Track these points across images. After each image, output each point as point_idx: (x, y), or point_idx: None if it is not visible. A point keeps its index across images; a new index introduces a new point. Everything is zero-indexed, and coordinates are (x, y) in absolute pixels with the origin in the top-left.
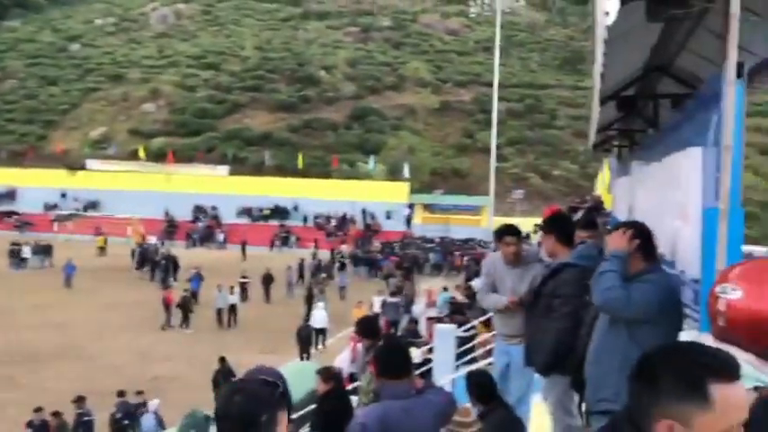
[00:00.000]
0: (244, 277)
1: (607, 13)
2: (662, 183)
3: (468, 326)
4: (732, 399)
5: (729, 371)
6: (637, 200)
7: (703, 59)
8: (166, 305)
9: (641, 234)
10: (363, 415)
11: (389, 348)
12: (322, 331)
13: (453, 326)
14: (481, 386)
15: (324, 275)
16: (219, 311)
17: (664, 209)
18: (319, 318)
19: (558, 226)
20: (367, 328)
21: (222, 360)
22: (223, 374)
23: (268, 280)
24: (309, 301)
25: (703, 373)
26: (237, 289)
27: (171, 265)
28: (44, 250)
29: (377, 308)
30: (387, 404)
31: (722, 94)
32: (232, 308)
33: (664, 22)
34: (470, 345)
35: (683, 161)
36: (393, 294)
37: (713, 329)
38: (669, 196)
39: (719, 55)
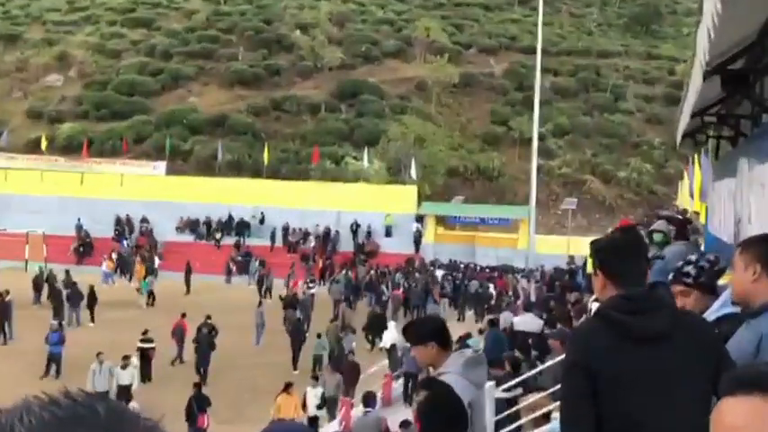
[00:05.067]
0: (144, 340)
1: None
2: None
3: (512, 383)
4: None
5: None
6: (749, 210)
7: None
8: None
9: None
10: None
11: (438, 404)
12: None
13: (491, 383)
14: None
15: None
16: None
17: None
18: (391, 335)
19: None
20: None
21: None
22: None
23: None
24: (295, 345)
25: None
26: (135, 359)
27: (76, 299)
28: None
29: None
30: None
31: None
32: (123, 391)
33: None
34: (514, 409)
35: None
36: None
37: None
38: None
39: None
